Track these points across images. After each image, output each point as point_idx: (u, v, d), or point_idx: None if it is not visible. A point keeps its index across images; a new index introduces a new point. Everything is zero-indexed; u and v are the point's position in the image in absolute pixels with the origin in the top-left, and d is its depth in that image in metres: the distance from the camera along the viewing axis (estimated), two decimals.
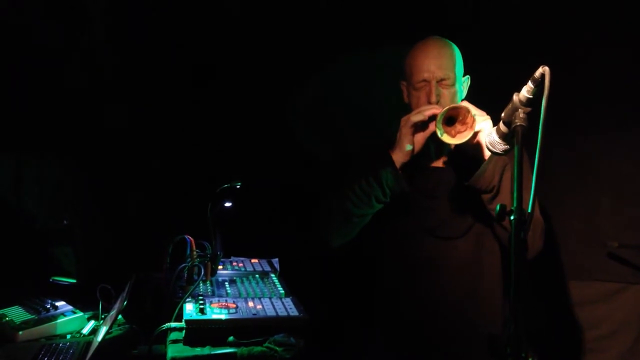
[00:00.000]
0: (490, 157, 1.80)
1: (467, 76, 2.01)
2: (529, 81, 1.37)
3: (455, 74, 1.93)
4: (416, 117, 1.86)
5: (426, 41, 1.98)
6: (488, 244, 1.97)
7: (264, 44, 2.90)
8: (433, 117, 1.83)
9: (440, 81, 1.92)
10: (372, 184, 1.90)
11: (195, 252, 2.13)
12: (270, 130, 2.93)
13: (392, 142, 1.93)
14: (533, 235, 1.83)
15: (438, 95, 1.90)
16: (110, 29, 2.83)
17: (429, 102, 1.91)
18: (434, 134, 1.82)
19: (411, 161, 1.92)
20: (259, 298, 1.99)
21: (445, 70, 1.92)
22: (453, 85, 1.93)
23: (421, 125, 1.88)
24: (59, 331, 2.15)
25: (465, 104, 1.85)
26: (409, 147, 1.88)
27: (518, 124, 1.38)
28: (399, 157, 1.89)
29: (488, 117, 1.79)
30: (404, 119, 1.89)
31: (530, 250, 1.79)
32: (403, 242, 2.04)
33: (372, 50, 2.83)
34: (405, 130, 1.87)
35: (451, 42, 1.98)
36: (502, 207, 1.27)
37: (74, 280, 2.46)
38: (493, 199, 1.83)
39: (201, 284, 2.09)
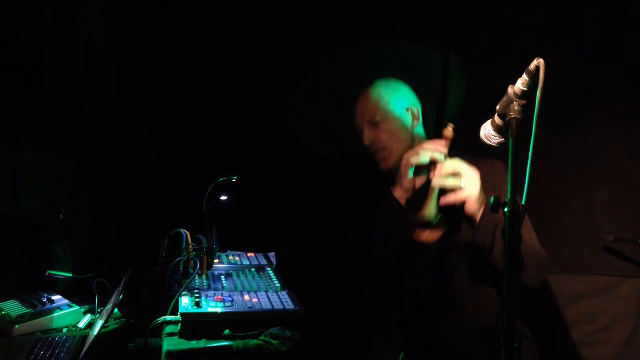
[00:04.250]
0: (481, 219, 1.82)
1: (414, 105, 2.14)
2: (524, 74, 1.37)
3: (382, 111, 2.09)
4: (414, 159, 1.94)
5: (361, 93, 2.16)
6: (481, 272, 1.99)
7: (264, 40, 2.89)
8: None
9: (369, 121, 2.09)
10: (384, 222, 2.01)
11: (191, 246, 2.13)
12: (266, 124, 2.92)
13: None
14: (529, 267, 1.74)
15: (369, 138, 2.09)
16: (107, 27, 2.82)
17: (364, 144, 2.10)
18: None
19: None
20: (255, 292, 1.99)
21: (371, 111, 2.10)
22: (385, 120, 2.08)
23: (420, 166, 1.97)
24: (55, 325, 2.15)
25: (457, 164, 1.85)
26: (408, 184, 1.98)
27: (513, 116, 1.38)
28: (401, 194, 2.00)
29: (476, 175, 1.81)
30: (404, 158, 1.98)
31: (529, 282, 1.84)
32: (407, 280, 2.10)
33: (373, 47, 2.82)
34: (404, 171, 1.98)
35: (382, 83, 2.16)
36: (497, 199, 1.27)
37: (70, 275, 2.46)
38: (490, 253, 1.86)
39: (197, 278, 2.09)
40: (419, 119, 2.16)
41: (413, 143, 2.11)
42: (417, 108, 2.17)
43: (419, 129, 2.17)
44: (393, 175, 2.09)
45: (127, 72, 2.84)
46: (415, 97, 2.20)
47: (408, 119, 2.14)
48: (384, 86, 2.16)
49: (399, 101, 2.14)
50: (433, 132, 2.19)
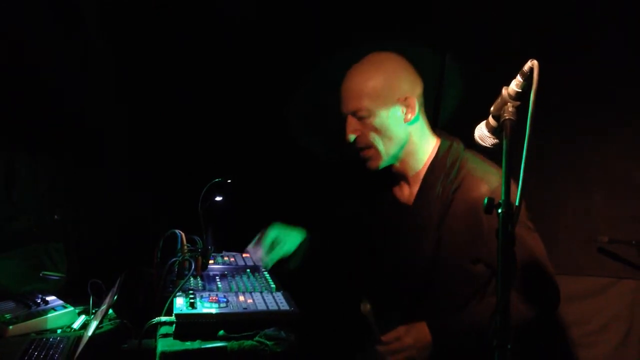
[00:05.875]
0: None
1: (409, 93, 1.90)
2: (518, 75, 1.38)
3: (368, 103, 1.87)
4: None
5: (349, 71, 1.96)
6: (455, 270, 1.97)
7: (262, 41, 2.89)
8: None
9: (353, 113, 1.92)
10: None
11: (186, 247, 2.13)
12: (262, 125, 2.92)
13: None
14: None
15: (353, 133, 1.93)
16: (104, 28, 2.81)
17: (346, 140, 1.95)
18: None
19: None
20: (250, 292, 1.99)
21: (355, 102, 1.89)
22: (371, 115, 1.88)
23: None
24: (50, 326, 2.14)
25: None
26: None
27: (507, 117, 1.38)
28: None
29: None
30: None
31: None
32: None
33: (371, 47, 2.82)
34: None
35: (373, 63, 1.93)
36: (490, 200, 1.27)
37: (65, 275, 2.45)
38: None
39: (192, 279, 2.08)
40: (414, 110, 1.90)
41: (407, 139, 1.94)
42: (413, 97, 1.90)
43: (416, 122, 1.93)
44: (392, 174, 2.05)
45: (126, 73, 2.84)
46: (413, 82, 1.93)
47: (400, 111, 1.90)
48: (374, 68, 1.91)
49: (390, 89, 1.88)
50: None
